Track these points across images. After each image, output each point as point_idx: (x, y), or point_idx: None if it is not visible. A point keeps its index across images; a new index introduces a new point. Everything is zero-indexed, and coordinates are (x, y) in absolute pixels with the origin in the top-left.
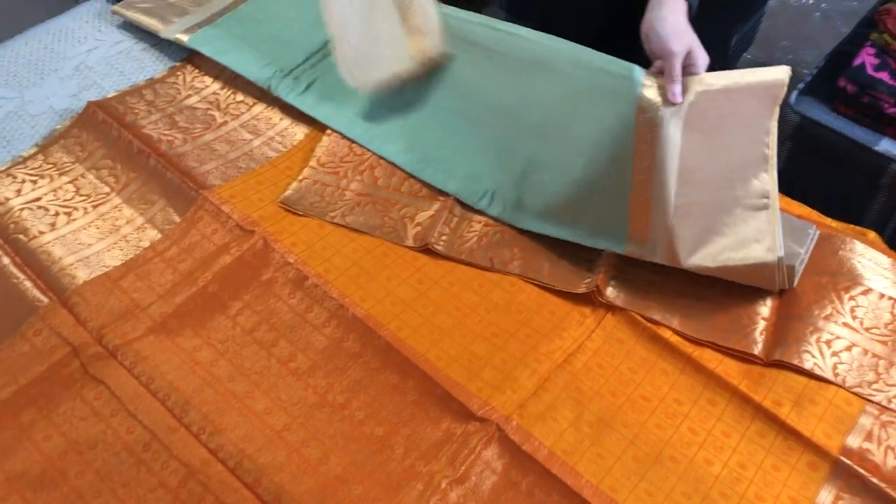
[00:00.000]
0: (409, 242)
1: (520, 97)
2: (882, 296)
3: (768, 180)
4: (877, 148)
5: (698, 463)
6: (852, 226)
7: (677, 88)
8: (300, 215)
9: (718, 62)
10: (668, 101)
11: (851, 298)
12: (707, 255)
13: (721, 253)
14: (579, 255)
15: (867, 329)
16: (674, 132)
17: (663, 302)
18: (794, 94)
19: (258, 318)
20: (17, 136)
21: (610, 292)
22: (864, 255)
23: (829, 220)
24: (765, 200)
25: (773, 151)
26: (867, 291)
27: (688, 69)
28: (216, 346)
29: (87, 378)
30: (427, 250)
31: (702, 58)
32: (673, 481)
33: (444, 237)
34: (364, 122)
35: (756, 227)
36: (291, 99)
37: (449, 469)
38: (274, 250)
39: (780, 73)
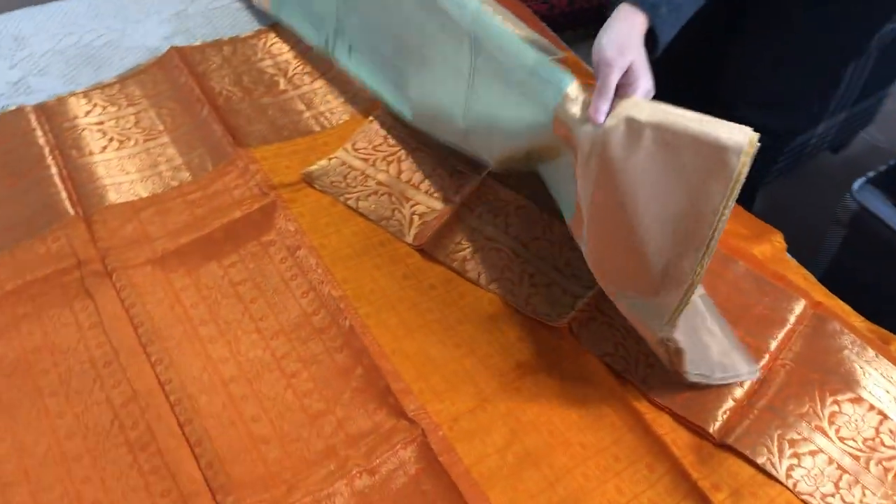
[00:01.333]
0: (409, 239)
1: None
2: (872, 408)
3: (693, 268)
4: None
5: None
6: (884, 330)
7: (601, 105)
8: (318, 190)
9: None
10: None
11: (836, 402)
12: (616, 295)
13: (627, 300)
14: (567, 289)
15: (842, 439)
16: (590, 157)
17: (635, 353)
18: (859, 182)
19: (247, 274)
20: (107, 64)
21: (583, 333)
22: (873, 364)
23: (855, 320)
24: (683, 286)
25: (714, 235)
26: (857, 400)
27: (623, 89)
28: (202, 290)
29: (81, 290)
30: (423, 251)
31: (644, 82)
32: None
33: (443, 240)
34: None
35: (659, 303)
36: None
37: (364, 458)
38: (280, 216)
39: (738, 136)
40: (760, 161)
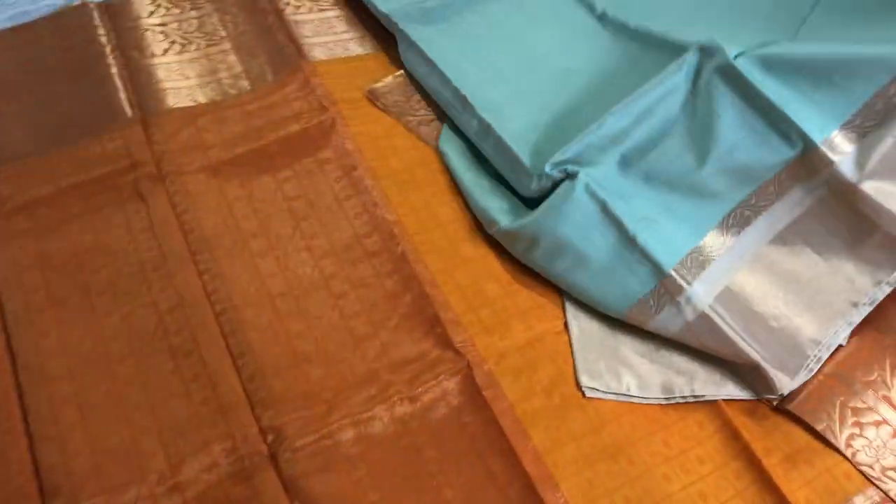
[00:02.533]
0: None
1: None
2: None
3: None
4: None
5: (655, 475)
6: None
7: None
8: (380, 109)
9: None
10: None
11: None
12: None
13: None
14: None
15: None
16: None
17: None
18: None
19: (301, 191)
20: None
21: None
22: None
23: None
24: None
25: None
26: None
27: None
28: (254, 203)
29: (134, 193)
30: None
31: None
32: (620, 481)
33: None
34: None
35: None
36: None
37: (406, 386)
38: (339, 132)
39: None
40: None
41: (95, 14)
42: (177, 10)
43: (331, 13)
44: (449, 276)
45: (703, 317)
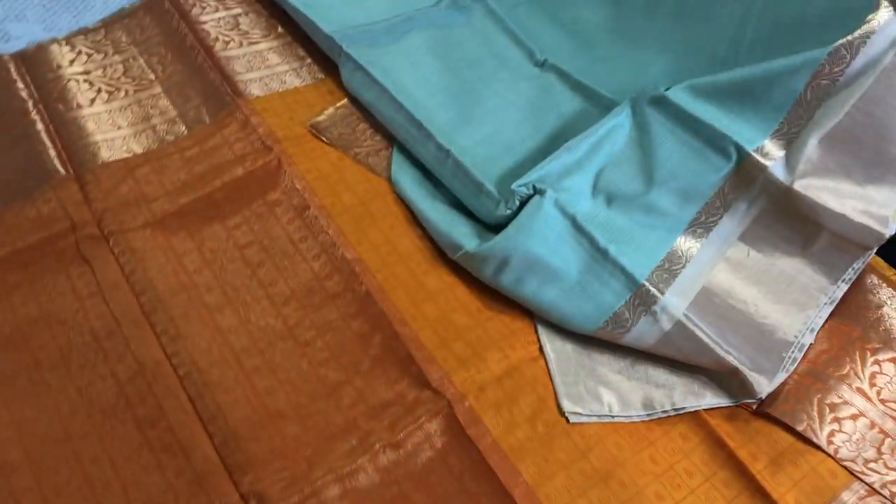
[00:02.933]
0: None
1: None
2: None
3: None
4: None
5: (648, 495)
6: None
7: None
8: (325, 143)
9: None
10: None
11: (876, 363)
12: None
13: None
14: None
15: (883, 401)
16: None
17: None
18: None
19: (253, 237)
20: (89, 8)
21: None
22: None
23: (889, 272)
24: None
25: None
26: None
27: None
28: (205, 255)
29: (76, 256)
30: None
31: None
32: None
33: None
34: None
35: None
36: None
37: (388, 432)
38: (286, 172)
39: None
40: None
41: (11, 67)
42: (99, 56)
43: (262, 45)
44: (417, 311)
45: (678, 325)
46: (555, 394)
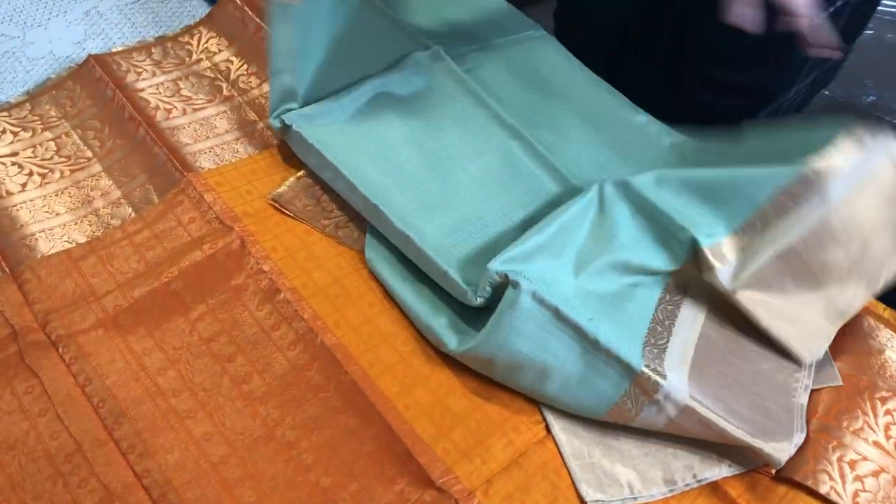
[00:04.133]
0: None
1: None
2: None
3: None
4: None
5: None
6: None
7: None
8: (289, 216)
9: None
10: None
11: (888, 413)
12: None
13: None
14: None
15: None
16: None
17: None
18: None
19: (219, 328)
20: (10, 79)
21: None
22: None
23: (882, 310)
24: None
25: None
26: None
27: None
28: (168, 353)
29: (21, 367)
30: None
31: None
32: None
33: None
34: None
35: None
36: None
37: None
38: (250, 254)
39: None
40: (740, 123)
41: None
42: (27, 134)
43: (209, 110)
44: (409, 398)
45: (686, 410)
46: (570, 479)
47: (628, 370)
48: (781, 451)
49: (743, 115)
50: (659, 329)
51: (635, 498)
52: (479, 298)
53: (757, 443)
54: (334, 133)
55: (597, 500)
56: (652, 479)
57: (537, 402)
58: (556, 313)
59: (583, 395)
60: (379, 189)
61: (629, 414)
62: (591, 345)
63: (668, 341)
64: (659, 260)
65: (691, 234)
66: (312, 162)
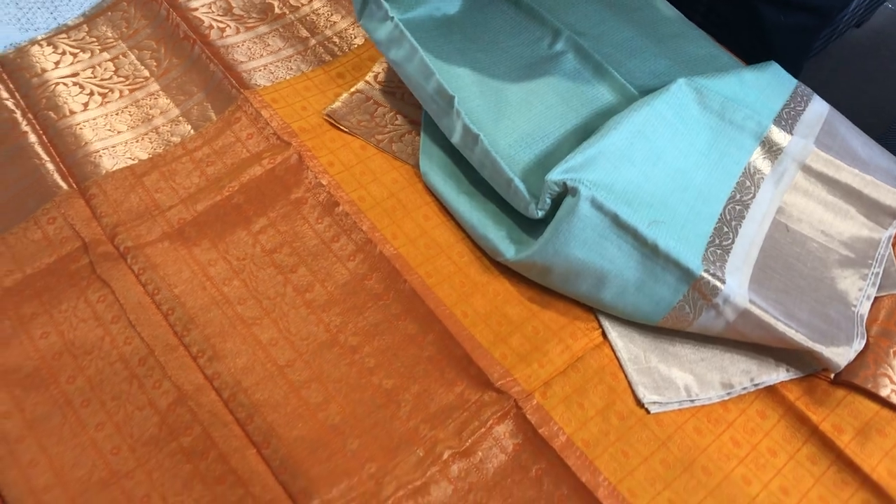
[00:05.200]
0: None
1: None
2: None
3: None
4: None
5: (735, 479)
6: None
7: None
8: (344, 132)
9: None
10: None
11: None
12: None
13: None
14: None
15: None
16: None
17: None
18: None
19: (281, 240)
20: (66, 3)
21: None
22: None
23: None
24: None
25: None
26: None
27: None
28: (232, 263)
29: (93, 278)
30: None
31: None
32: (702, 495)
33: None
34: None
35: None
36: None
37: (455, 439)
38: (308, 168)
39: None
40: (803, 40)
41: None
42: (85, 55)
43: (261, 28)
44: (467, 306)
45: (744, 314)
46: (627, 382)
47: (687, 275)
48: (841, 355)
49: (804, 32)
50: (725, 229)
51: (692, 401)
52: (539, 211)
53: (817, 347)
54: (413, 15)
55: (654, 402)
56: (709, 382)
57: (593, 310)
58: (615, 219)
59: (640, 300)
60: (454, 81)
61: (687, 318)
62: (649, 250)
63: (733, 242)
64: (730, 156)
65: (759, 119)
66: (385, 35)
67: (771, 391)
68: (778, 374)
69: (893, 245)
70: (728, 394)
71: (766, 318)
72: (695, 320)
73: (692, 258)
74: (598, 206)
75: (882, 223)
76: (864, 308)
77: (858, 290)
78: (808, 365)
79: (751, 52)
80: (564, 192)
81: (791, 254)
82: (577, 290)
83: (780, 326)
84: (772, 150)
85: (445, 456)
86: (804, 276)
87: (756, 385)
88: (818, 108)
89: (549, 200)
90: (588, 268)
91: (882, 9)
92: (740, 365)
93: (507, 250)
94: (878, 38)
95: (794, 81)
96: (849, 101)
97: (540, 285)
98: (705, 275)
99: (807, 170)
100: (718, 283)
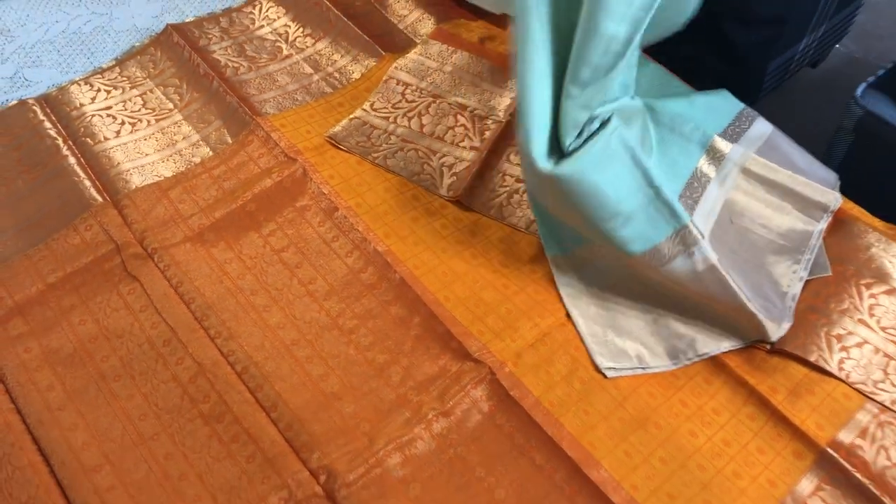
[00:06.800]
0: (443, 191)
1: None
2: None
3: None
4: None
5: (682, 433)
6: None
7: None
8: (343, 151)
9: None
10: None
11: (872, 296)
12: None
13: None
14: None
15: (884, 328)
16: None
17: None
18: (861, 87)
19: (288, 241)
20: (101, 49)
21: None
22: None
23: (874, 221)
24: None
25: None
26: (891, 291)
27: None
28: (245, 261)
29: (124, 274)
30: (458, 201)
31: None
32: (653, 446)
33: (475, 189)
34: None
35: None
36: None
37: (438, 402)
38: (311, 180)
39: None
40: (751, 78)
41: (37, 109)
42: (117, 92)
43: (271, 67)
44: (449, 292)
45: (712, 269)
46: (587, 353)
47: (676, 220)
48: (776, 330)
49: (766, 43)
50: (696, 184)
51: (644, 368)
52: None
53: (760, 316)
54: None
55: (609, 368)
56: (658, 353)
57: (558, 294)
58: (633, 155)
59: (629, 233)
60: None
61: (662, 260)
62: (653, 191)
63: (701, 195)
64: (679, 163)
65: (704, 131)
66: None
67: (715, 361)
68: (719, 346)
69: (824, 236)
70: (674, 363)
71: (726, 278)
72: (668, 263)
73: (682, 210)
74: (622, 140)
75: (815, 217)
76: (797, 289)
77: (792, 273)
78: (745, 337)
79: (717, 72)
80: (597, 127)
81: (734, 241)
82: (582, 212)
83: (736, 290)
84: (716, 156)
85: (429, 416)
86: (746, 261)
87: (700, 356)
88: (761, 127)
89: (583, 132)
90: (599, 192)
91: (835, 50)
92: (686, 339)
93: (544, 163)
94: (831, 77)
95: (741, 105)
96: (801, 136)
97: (512, 275)
98: (691, 225)
99: (747, 172)
100: (699, 236)
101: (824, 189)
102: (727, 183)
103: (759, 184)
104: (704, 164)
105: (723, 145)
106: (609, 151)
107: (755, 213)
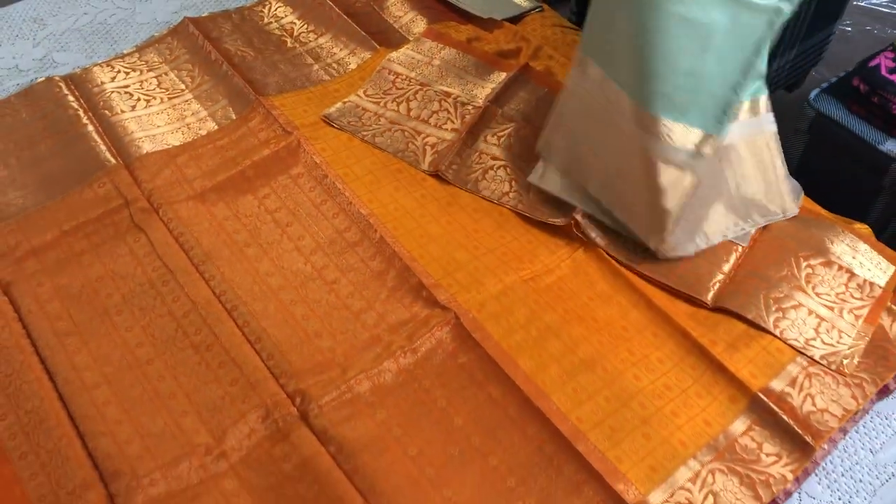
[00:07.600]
0: (424, 167)
1: None
2: (841, 268)
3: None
4: (882, 147)
5: (627, 377)
6: (846, 219)
7: None
8: (336, 129)
9: None
10: None
11: (809, 266)
12: None
13: None
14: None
15: (818, 294)
16: None
17: (633, 247)
18: (815, 91)
19: (280, 203)
20: (123, 38)
21: (585, 225)
22: (840, 236)
23: (825, 213)
24: None
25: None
26: (827, 263)
27: None
28: (241, 219)
29: (132, 226)
30: (437, 175)
31: None
32: (599, 386)
33: (454, 166)
34: None
35: None
36: None
37: (406, 341)
38: (305, 151)
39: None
40: None
41: (63, 86)
42: (135, 74)
43: (276, 57)
44: (424, 251)
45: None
46: (545, 306)
47: (716, 129)
48: (669, 250)
49: None
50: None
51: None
52: None
53: (670, 223)
54: None
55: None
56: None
57: (525, 254)
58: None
59: (669, 103)
60: None
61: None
62: (733, 90)
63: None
64: None
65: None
66: None
67: (665, 317)
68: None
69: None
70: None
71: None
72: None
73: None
74: None
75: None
76: (717, 239)
77: (725, 229)
78: (640, 230)
79: None
80: None
81: (710, 176)
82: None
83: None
84: (755, 110)
85: (398, 353)
86: (708, 196)
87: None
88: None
89: None
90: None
91: (811, 77)
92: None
93: None
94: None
95: None
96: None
97: (482, 240)
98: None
99: (761, 140)
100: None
101: (792, 200)
102: (745, 132)
103: (756, 157)
104: (746, 106)
105: (763, 107)
106: None
107: (738, 170)
